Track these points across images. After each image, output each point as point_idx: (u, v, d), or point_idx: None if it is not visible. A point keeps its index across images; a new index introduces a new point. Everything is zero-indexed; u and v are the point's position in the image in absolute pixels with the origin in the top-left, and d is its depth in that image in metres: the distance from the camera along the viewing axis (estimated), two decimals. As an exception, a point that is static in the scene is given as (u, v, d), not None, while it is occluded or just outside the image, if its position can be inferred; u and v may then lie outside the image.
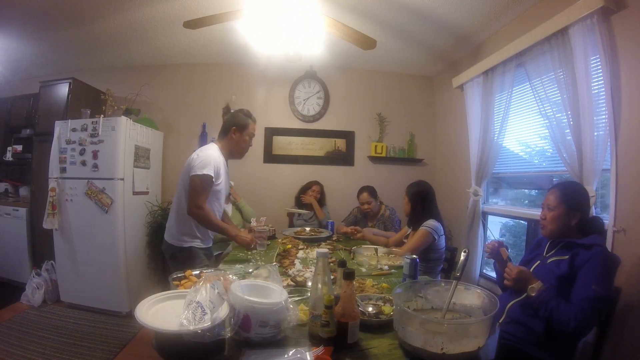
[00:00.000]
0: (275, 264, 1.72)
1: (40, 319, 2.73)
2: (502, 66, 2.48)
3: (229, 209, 3.10)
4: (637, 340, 1.49)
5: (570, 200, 1.39)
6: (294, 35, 1.91)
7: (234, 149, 1.98)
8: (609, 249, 1.65)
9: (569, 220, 1.38)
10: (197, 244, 1.91)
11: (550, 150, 2.25)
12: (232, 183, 3.09)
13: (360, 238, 2.49)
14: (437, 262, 2.26)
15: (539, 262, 1.44)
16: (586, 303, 1.17)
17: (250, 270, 1.61)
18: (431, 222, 2.18)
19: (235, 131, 1.93)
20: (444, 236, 2.24)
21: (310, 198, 3.30)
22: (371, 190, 3.00)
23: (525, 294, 1.29)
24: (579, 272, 1.25)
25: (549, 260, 1.38)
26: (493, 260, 1.59)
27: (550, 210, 1.41)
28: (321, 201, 3.42)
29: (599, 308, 1.20)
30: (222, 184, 1.92)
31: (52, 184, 2.98)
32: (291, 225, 3.31)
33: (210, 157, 1.82)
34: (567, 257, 1.31)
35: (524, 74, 2.31)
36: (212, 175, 1.80)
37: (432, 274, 2.20)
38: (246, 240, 1.94)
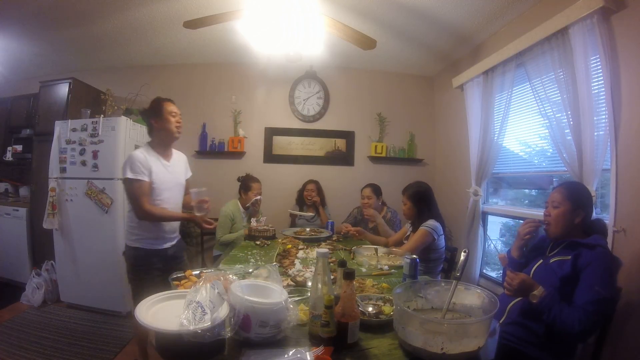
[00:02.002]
0: (275, 264, 1.72)
1: (40, 319, 2.73)
2: (502, 66, 2.48)
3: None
4: (637, 340, 1.49)
5: (575, 198, 1.38)
6: (294, 35, 1.90)
7: (163, 134, 1.93)
8: (610, 249, 1.65)
9: (573, 218, 1.37)
10: (143, 244, 1.85)
11: (550, 150, 2.26)
12: (260, 197, 2.99)
13: (361, 238, 2.50)
14: (437, 262, 2.26)
15: (541, 261, 1.43)
16: (590, 306, 1.16)
17: (250, 270, 1.61)
18: (430, 222, 2.19)
19: (155, 120, 1.92)
20: (443, 236, 2.24)
21: (316, 198, 3.29)
22: (375, 188, 3.00)
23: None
24: (582, 273, 1.24)
25: (552, 261, 1.37)
26: (506, 259, 1.59)
27: (555, 208, 1.40)
28: (321, 201, 3.39)
29: (603, 310, 1.19)
30: (157, 181, 1.85)
31: (52, 184, 2.98)
32: (293, 225, 3.30)
33: (129, 159, 1.79)
34: (569, 257, 1.30)
35: (524, 74, 2.31)
36: (133, 175, 1.75)
37: (432, 274, 2.20)
38: (196, 218, 1.91)
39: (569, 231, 1.39)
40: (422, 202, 2.27)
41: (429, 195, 2.31)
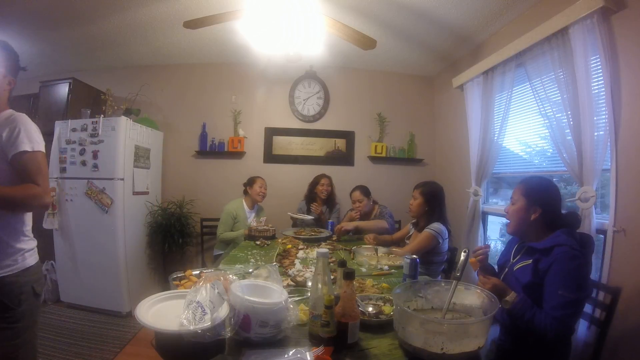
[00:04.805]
0: (275, 264, 1.72)
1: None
2: (502, 66, 2.48)
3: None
4: (637, 340, 1.49)
5: (532, 194, 1.34)
6: (294, 35, 1.90)
7: None
8: (610, 248, 1.64)
9: (529, 215, 1.32)
10: None
11: (550, 150, 2.26)
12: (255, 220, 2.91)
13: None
14: (439, 265, 2.24)
15: (507, 269, 1.40)
16: (557, 311, 1.13)
17: (250, 270, 1.62)
18: (436, 226, 2.13)
19: None
20: (447, 240, 2.20)
21: (318, 208, 3.19)
22: (363, 189, 2.93)
23: None
24: (545, 278, 1.20)
25: (516, 267, 1.34)
26: (477, 264, 1.44)
27: (512, 205, 1.38)
28: (330, 200, 3.30)
29: (572, 312, 1.16)
30: None
31: (52, 184, 2.98)
32: (294, 227, 3.27)
33: None
34: (530, 261, 1.27)
35: (524, 74, 2.31)
36: None
37: (433, 276, 2.18)
38: None
39: (525, 228, 1.35)
40: (434, 202, 2.21)
41: (442, 197, 2.26)
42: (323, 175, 3.30)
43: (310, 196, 3.30)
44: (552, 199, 1.34)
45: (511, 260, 1.40)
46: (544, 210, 1.31)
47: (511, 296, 1.21)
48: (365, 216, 2.98)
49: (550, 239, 1.26)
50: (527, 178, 1.43)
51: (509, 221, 1.40)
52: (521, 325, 1.19)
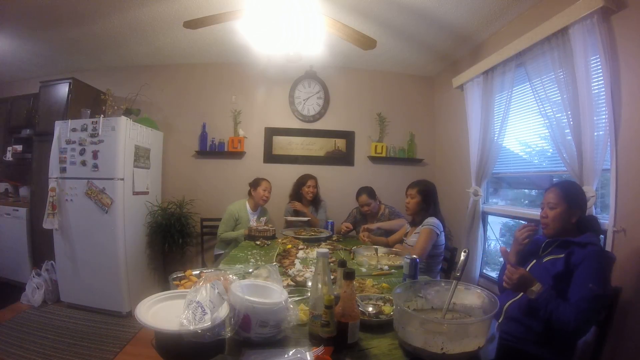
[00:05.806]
0: (275, 264, 1.72)
1: (40, 319, 2.73)
2: (502, 66, 2.48)
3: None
4: (637, 340, 1.49)
5: (571, 198, 1.41)
6: (294, 35, 1.90)
7: None
8: (609, 248, 1.65)
9: (570, 218, 1.40)
10: None
11: (550, 150, 2.26)
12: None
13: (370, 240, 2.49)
14: (437, 259, 2.27)
15: (534, 261, 1.45)
16: (584, 303, 1.18)
17: (250, 270, 1.62)
18: (431, 220, 2.21)
19: None
20: (443, 233, 2.26)
21: (303, 207, 3.19)
22: (370, 192, 2.96)
23: (521, 293, 1.31)
24: (575, 271, 1.26)
25: (545, 259, 1.39)
26: (507, 252, 1.57)
27: (551, 209, 1.42)
28: (316, 200, 3.30)
29: (597, 307, 1.21)
30: None
31: (52, 184, 2.98)
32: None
33: None
34: (562, 255, 1.32)
35: (524, 74, 2.30)
36: None
37: (432, 272, 2.20)
38: None
39: (567, 230, 1.41)
40: (430, 199, 2.31)
41: (436, 194, 2.37)
42: (310, 176, 3.29)
43: (296, 197, 3.30)
44: (585, 202, 1.47)
45: (540, 253, 1.46)
46: (581, 212, 1.41)
47: (537, 286, 1.25)
48: (372, 217, 3.00)
49: (585, 236, 1.34)
50: (561, 182, 1.53)
51: (547, 225, 1.44)
52: (543, 315, 1.23)
